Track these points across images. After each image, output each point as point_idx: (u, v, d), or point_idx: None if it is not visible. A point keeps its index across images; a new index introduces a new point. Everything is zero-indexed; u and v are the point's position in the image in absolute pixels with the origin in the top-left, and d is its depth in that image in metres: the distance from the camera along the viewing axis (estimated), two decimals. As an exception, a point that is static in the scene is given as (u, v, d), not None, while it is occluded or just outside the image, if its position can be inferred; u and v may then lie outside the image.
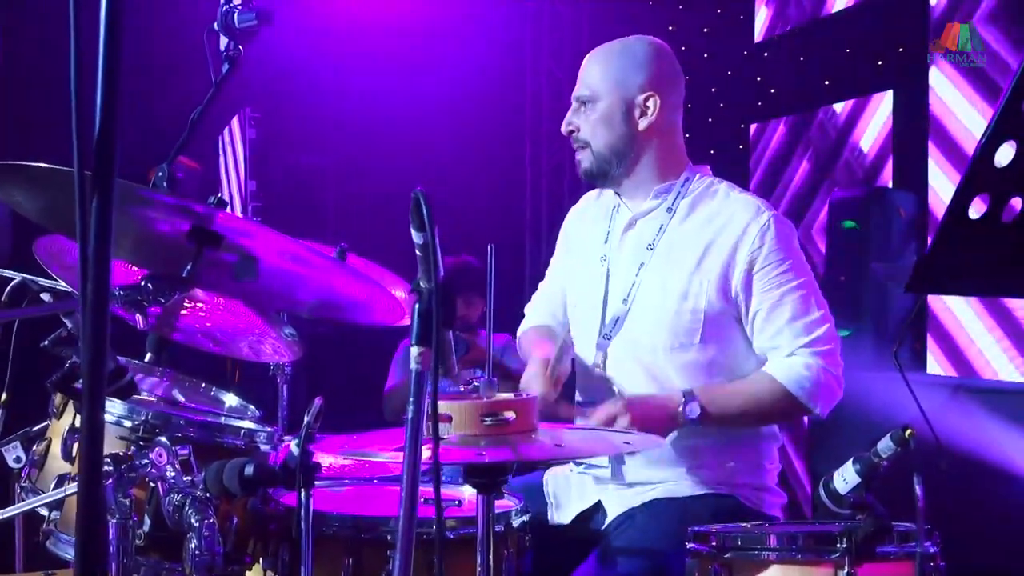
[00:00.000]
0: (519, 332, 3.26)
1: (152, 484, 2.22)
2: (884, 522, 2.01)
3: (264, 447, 2.54)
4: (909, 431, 2.00)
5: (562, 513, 2.90)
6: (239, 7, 2.66)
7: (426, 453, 1.98)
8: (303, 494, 2.20)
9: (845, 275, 4.75)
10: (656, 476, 2.77)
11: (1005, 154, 1.50)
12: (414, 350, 1.72)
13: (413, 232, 1.70)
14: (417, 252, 1.72)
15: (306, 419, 2.22)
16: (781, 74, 5.86)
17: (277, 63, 5.52)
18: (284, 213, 5.86)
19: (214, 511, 2.18)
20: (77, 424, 2.43)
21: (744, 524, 2.40)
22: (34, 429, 2.67)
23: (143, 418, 2.37)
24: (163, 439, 2.21)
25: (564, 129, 2.93)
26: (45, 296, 2.43)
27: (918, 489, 1.90)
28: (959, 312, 4.70)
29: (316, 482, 2.27)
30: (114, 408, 2.39)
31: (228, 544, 2.37)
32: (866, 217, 4.70)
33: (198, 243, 2.19)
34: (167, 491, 2.18)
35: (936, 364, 4.78)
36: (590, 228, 3.05)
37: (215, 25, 2.68)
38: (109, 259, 1.29)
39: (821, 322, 2.75)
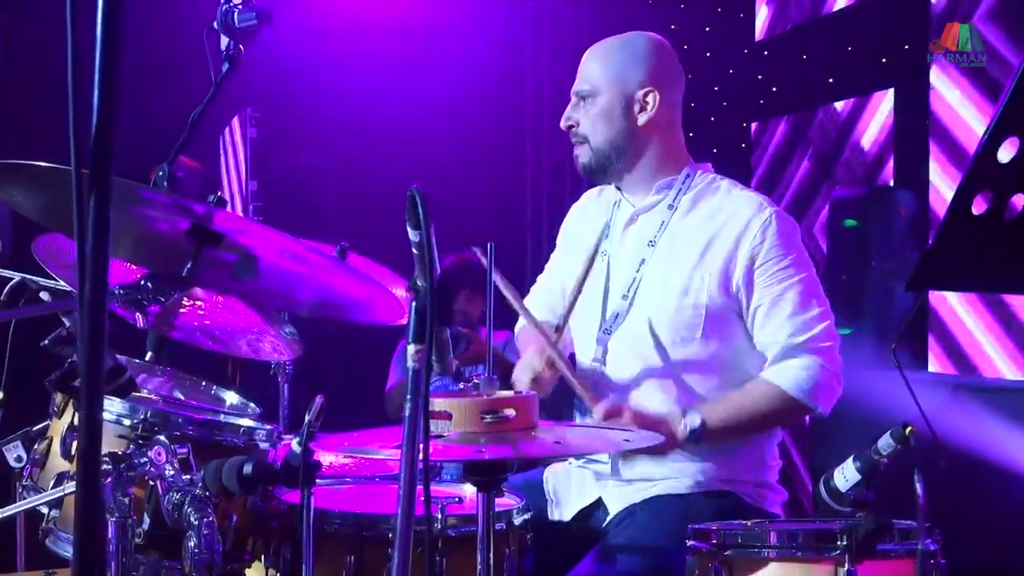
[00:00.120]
0: (516, 328, 3.26)
1: (151, 482, 2.22)
2: (884, 520, 2.00)
3: (264, 445, 2.54)
4: (909, 428, 2.00)
5: (562, 510, 2.90)
6: (239, 6, 2.66)
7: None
8: (305, 492, 2.21)
9: (846, 274, 4.75)
10: (657, 473, 2.76)
11: (1007, 151, 1.50)
12: (411, 348, 1.72)
13: (409, 230, 1.70)
14: (413, 250, 1.72)
15: (307, 417, 2.22)
16: (782, 73, 5.85)
17: (277, 63, 5.51)
18: (285, 212, 5.86)
19: (213, 509, 2.19)
20: (77, 423, 2.43)
21: (744, 522, 2.39)
22: (35, 428, 2.67)
23: (142, 416, 2.37)
24: (162, 437, 2.21)
25: (563, 124, 2.93)
26: (44, 295, 2.43)
27: (919, 487, 1.90)
28: (960, 310, 4.70)
29: (317, 480, 2.27)
30: (113, 406, 2.39)
31: (228, 542, 2.37)
32: (867, 216, 4.70)
33: (198, 242, 2.19)
34: (166, 489, 2.18)
35: (937, 362, 4.78)
36: (590, 224, 3.05)
37: (215, 24, 2.68)
38: (107, 258, 1.29)
39: (821, 319, 2.75)
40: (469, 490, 2.61)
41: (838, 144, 5.56)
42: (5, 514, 2.38)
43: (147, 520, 2.28)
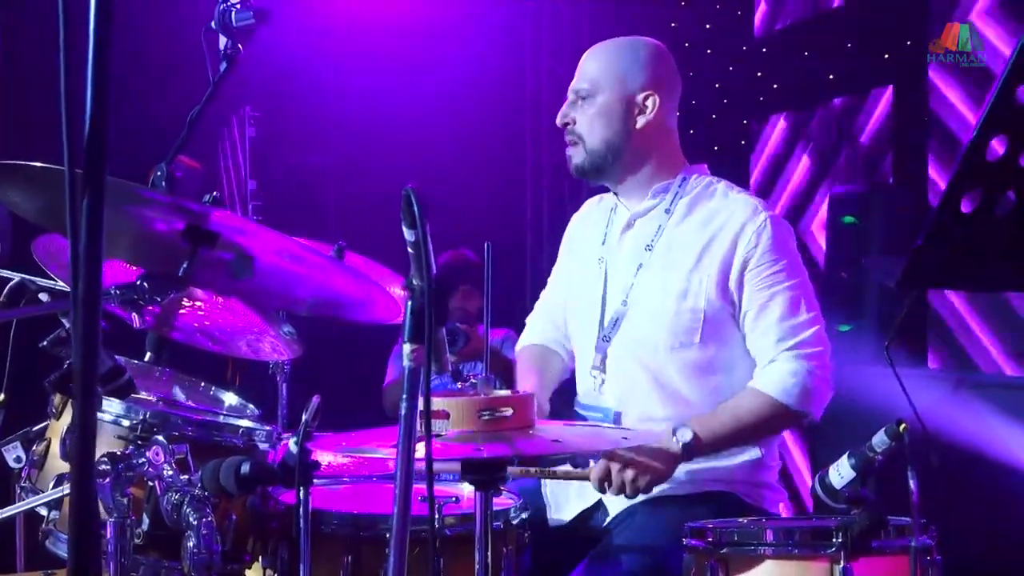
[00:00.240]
0: (518, 346, 3.26)
1: (150, 483, 2.23)
2: (879, 516, 2.01)
3: (263, 445, 2.54)
4: (903, 425, 2.01)
5: (561, 514, 2.89)
6: (236, 6, 2.66)
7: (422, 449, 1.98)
8: (302, 492, 2.21)
9: (846, 271, 4.75)
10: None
11: (996, 149, 1.50)
12: (407, 347, 1.72)
13: (405, 229, 1.71)
14: (409, 249, 1.73)
15: (304, 417, 2.23)
16: (781, 70, 5.85)
17: (277, 62, 5.51)
18: (284, 212, 5.85)
19: (212, 510, 2.19)
20: (76, 424, 2.43)
21: (740, 519, 2.40)
22: (34, 429, 2.67)
23: (141, 417, 2.37)
24: (160, 438, 2.22)
25: (559, 121, 2.92)
26: (43, 296, 2.43)
27: (912, 483, 1.91)
28: (959, 306, 4.70)
29: (315, 480, 2.28)
30: (112, 407, 2.40)
31: (227, 542, 2.37)
32: (866, 213, 4.71)
33: (194, 242, 2.20)
34: (165, 490, 2.18)
35: (936, 359, 4.78)
36: (590, 232, 3.05)
37: (213, 24, 2.68)
38: (101, 257, 1.30)
39: (810, 324, 2.74)
40: (467, 489, 2.61)
41: (837, 141, 5.56)
42: (4, 515, 2.39)
43: (146, 520, 2.29)
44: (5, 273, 2.59)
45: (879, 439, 2.04)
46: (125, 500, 2.15)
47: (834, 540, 2.04)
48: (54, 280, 2.58)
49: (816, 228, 5.56)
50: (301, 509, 2.21)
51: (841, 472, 2.09)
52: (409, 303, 1.72)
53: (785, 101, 5.91)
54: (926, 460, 2.08)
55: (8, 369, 2.72)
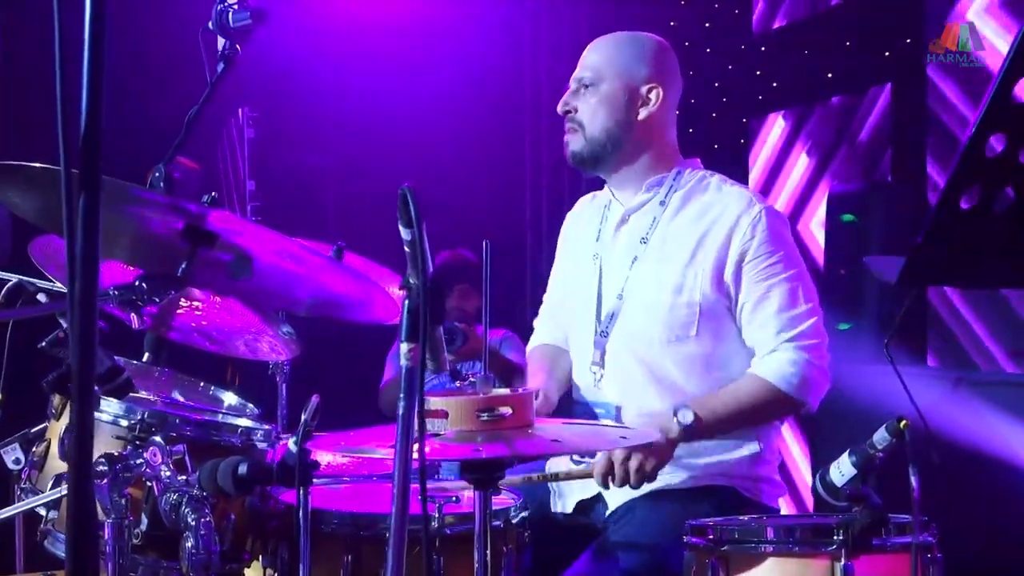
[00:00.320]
0: (528, 348, 3.27)
1: (148, 483, 2.23)
2: (880, 514, 2.01)
3: (261, 445, 2.54)
4: (904, 422, 2.01)
5: (564, 502, 2.90)
6: (233, 7, 2.66)
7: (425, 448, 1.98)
8: (301, 492, 2.21)
9: (845, 269, 4.75)
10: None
11: (994, 146, 1.50)
12: (404, 346, 1.72)
13: (401, 228, 1.71)
14: (406, 248, 1.72)
15: (304, 417, 2.23)
16: (780, 68, 5.85)
17: (275, 62, 5.51)
18: (284, 212, 5.85)
19: (211, 510, 2.19)
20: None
21: (741, 517, 2.40)
22: (33, 430, 2.67)
23: (139, 417, 2.37)
24: (157, 438, 2.22)
25: (561, 109, 2.92)
26: (41, 297, 2.43)
27: (913, 480, 1.90)
28: (958, 304, 4.70)
29: (315, 480, 2.28)
30: (110, 407, 2.39)
31: (226, 542, 2.36)
32: (865, 211, 4.70)
33: (192, 242, 2.20)
34: (163, 490, 2.18)
35: (935, 357, 4.78)
36: (584, 229, 3.06)
37: (210, 25, 2.68)
38: (97, 258, 1.30)
39: (808, 315, 2.75)
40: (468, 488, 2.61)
41: (836, 139, 5.56)
42: (3, 516, 2.39)
43: (145, 521, 2.29)
44: (3, 275, 2.59)
45: (880, 436, 2.04)
46: (123, 500, 2.15)
47: (835, 538, 2.04)
48: (52, 281, 2.58)
49: (815, 226, 5.56)
50: (301, 509, 2.21)
51: (842, 469, 2.09)
52: (406, 302, 1.72)
53: (784, 99, 5.91)
54: (927, 458, 2.07)
55: (6, 370, 2.71)
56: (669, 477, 2.75)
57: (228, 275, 2.27)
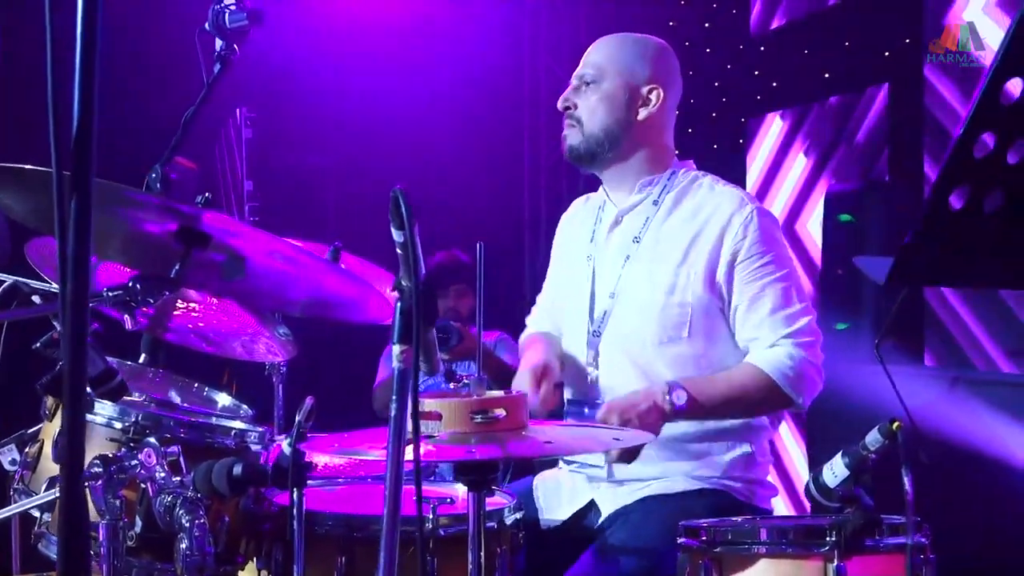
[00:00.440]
0: (521, 338, 3.26)
1: (143, 485, 2.23)
2: (872, 515, 2.01)
3: (255, 447, 2.54)
4: (896, 423, 2.00)
5: (554, 516, 2.88)
6: (230, 7, 2.66)
7: (420, 450, 1.98)
8: (295, 493, 2.21)
9: (842, 269, 4.75)
10: (649, 473, 2.75)
11: (983, 146, 1.50)
12: (396, 348, 1.73)
13: (393, 230, 1.71)
14: (398, 250, 1.73)
15: (298, 418, 2.23)
16: (778, 68, 5.85)
17: (273, 63, 5.52)
18: (282, 213, 5.84)
19: (205, 511, 2.19)
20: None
21: (734, 518, 2.40)
22: (29, 431, 2.68)
23: (133, 419, 2.37)
24: (152, 440, 2.22)
25: (560, 105, 2.93)
26: (36, 298, 2.43)
27: (906, 481, 1.90)
28: (955, 304, 4.70)
29: (309, 481, 2.28)
30: (105, 409, 2.40)
31: (220, 544, 2.37)
32: (862, 210, 4.70)
33: (186, 243, 2.20)
34: (157, 492, 2.18)
35: (932, 356, 4.78)
36: (578, 231, 3.06)
37: (207, 26, 2.68)
38: (88, 259, 1.30)
39: (802, 314, 2.75)
40: (461, 490, 2.61)
41: (834, 139, 5.56)
42: (-2, 517, 2.40)
43: (139, 522, 2.29)
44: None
45: (872, 437, 2.04)
46: (117, 502, 2.15)
47: (828, 539, 2.04)
48: (48, 282, 2.58)
49: (812, 226, 5.56)
50: (295, 510, 2.21)
51: (835, 471, 2.08)
52: (398, 304, 1.72)
53: (781, 99, 5.91)
54: (916, 458, 2.07)
55: (1, 371, 2.71)
56: (662, 482, 2.75)
57: (221, 276, 2.27)
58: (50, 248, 2.69)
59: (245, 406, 2.91)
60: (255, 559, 2.47)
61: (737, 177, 5.97)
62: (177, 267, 2.19)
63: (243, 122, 5.64)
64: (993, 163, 1.51)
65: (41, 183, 2.05)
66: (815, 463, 4.98)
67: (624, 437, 2.33)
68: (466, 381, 2.19)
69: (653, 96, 2.87)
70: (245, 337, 3.04)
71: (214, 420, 2.57)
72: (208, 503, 2.23)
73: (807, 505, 3.80)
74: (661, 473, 2.76)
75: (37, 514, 2.45)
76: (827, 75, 5.53)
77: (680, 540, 2.24)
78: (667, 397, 2.65)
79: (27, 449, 2.60)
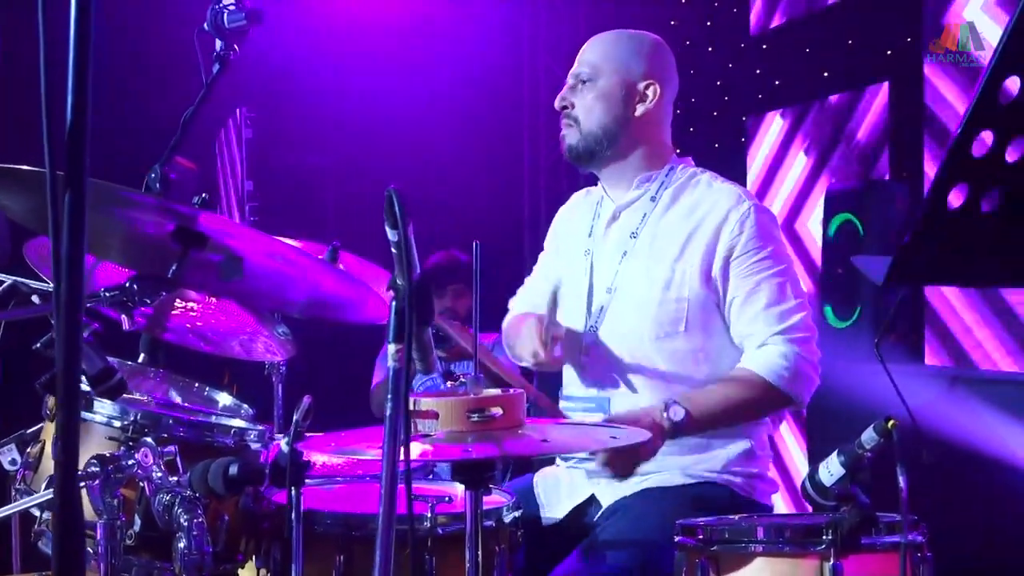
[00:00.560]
0: (503, 324, 3.25)
1: (141, 484, 2.23)
2: (868, 513, 2.01)
3: (255, 446, 2.54)
4: (892, 422, 2.01)
5: (554, 512, 2.89)
6: (228, 7, 2.66)
7: (417, 450, 1.99)
8: (293, 492, 2.22)
9: (842, 268, 4.75)
10: (648, 467, 2.74)
11: (981, 144, 1.50)
12: (391, 347, 1.73)
13: (388, 230, 1.71)
14: (392, 250, 1.73)
15: (295, 417, 2.23)
16: (778, 66, 5.85)
17: (273, 63, 5.52)
18: (282, 213, 5.85)
19: (204, 510, 2.19)
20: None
21: (732, 517, 2.40)
22: (29, 431, 2.68)
23: (132, 418, 2.37)
24: (149, 439, 2.22)
25: (558, 104, 2.93)
26: (35, 298, 2.44)
27: (901, 480, 1.90)
28: (955, 302, 4.69)
29: (307, 480, 2.28)
30: (103, 408, 2.40)
31: (219, 543, 2.37)
32: (863, 209, 4.70)
33: (183, 244, 2.20)
34: (155, 491, 2.19)
35: (933, 355, 4.77)
36: (576, 225, 3.07)
37: (206, 26, 2.68)
38: (82, 260, 1.30)
39: (797, 310, 2.75)
40: (460, 489, 2.61)
41: (834, 137, 5.55)
42: (-1, 516, 2.40)
43: (138, 521, 2.30)
44: (-1, 276, 2.60)
45: (868, 436, 2.04)
46: (115, 501, 2.15)
47: (824, 537, 2.04)
48: (47, 282, 2.58)
49: (813, 224, 5.56)
50: (293, 509, 2.21)
51: (831, 469, 2.09)
52: (393, 303, 1.72)
53: (781, 98, 5.91)
54: (918, 457, 2.07)
55: (1, 371, 2.72)
56: (661, 475, 2.76)
57: (219, 276, 2.28)
58: (49, 248, 2.68)
59: (246, 406, 2.91)
60: (254, 558, 2.48)
61: (738, 176, 5.96)
62: (174, 267, 2.19)
63: (243, 122, 5.64)
64: (991, 162, 1.51)
65: (38, 183, 2.05)
66: (815, 462, 4.98)
67: (621, 436, 2.33)
68: (463, 380, 2.19)
69: (650, 92, 2.87)
70: (244, 336, 3.05)
71: (213, 419, 2.58)
72: (206, 502, 2.23)
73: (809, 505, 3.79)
74: (660, 467, 2.76)
75: (38, 513, 2.45)
76: (827, 74, 5.52)
77: (677, 538, 2.24)
78: (665, 414, 2.64)
79: (29, 449, 2.61)
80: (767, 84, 5.92)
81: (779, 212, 5.77)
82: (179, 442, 2.33)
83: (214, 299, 2.90)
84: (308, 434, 2.27)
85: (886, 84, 5.19)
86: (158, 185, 2.54)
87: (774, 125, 6.02)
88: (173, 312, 2.86)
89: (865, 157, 5.34)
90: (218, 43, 2.66)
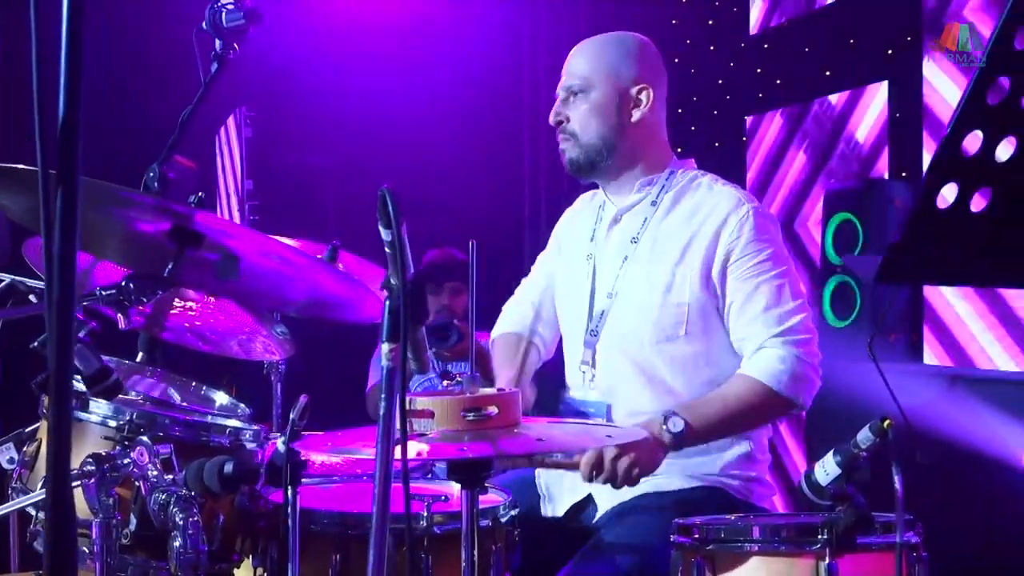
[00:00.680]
0: (492, 333, 3.26)
1: (136, 483, 2.23)
2: (864, 513, 2.01)
3: (251, 445, 2.54)
4: (887, 421, 2.00)
5: (555, 506, 2.90)
6: (227, 7, 2.66)
7: (413, 449, 1.99)
8: (289, 491, 2.22)
9: (841, 267, 4.75)
10: (644, 470, 2.75)
11: (972, 144, 1.50)
12: (386, 347, 1.73)
13: (381, 229, 1.72)
14: (386, 249, 1.73)
15: (292, 416, 2.23)
16: (777, 66, 5.85)
17: (273, 62, 5.52)
18: (282, 212, 5.86)
19: (200, 509, 2.19)
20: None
21: (728, 516, 2.40)
22: (27, 430, 2.68)
23: (128, 418, 2.37)
24: (144, 438, 2.22)
25: (552, 120, 2.92)
26: (32, 297, 2.44)
27: (897, 480, 1.91)
28: (955, 301, 4.69)
29: (304, 479, 2.28)
30: (99, 408, 2.40)
31: (215, 542, 2.37)
32: (861, 208, 4.70)
33: (179, 243, 2.20)
34: (150, 490, 2.19)
35: (932, 354, 4.77)
36: (579, 228, 3.06)
37: (204, 25, 2.68)
38: (75, 259, 1.30)
39: (796, 312, 2.73)
40: (457, 488, 2.61)
41: (833, 137, 5.55)
42: (-6, 515, 2.40)
43: (134, 520, 2.29)
44: (-2, 275, 2.60)
45: (863, 435, 2.04)
46: (111, 500, 2.15)
47: (819, 537, 2.04)
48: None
49: (812, 224, 5.56)
50: (289, 508, 2.21)
51: (827, 469, 2.09)
52: (387, 303, 1.73)
53: (781, 97, 5.91)
54: (912, 457, 2.08)
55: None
56: (659, 479, 2.75)
57: (215, 275, 2.28)
58: (47, 247, 2.69)
59: (243, 405, 2.91)
60: (251, 556, 2.48)
61: (738, 174, 5.96)
62: (170, 266, 2.20)
63: (243, 121, 5.65)
64: (981, 161, 1.51)
65: (33, 182, 2.05)
66: (813, 462, 4.98)
67: (615, 434, 2.33)
68: (459, 379, 2.19)
69: (643, 96, 2.86)
70: (242, 336, 3.05)
71: (209, 418, 2.58)
72: (202, 501, 2.24)
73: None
74: (658, 470, 2.75)
75: (33, 512, 2.45)
76: (827, 73, 5.52)
77: (673, 538, 2.24)
78: (664, 427, 2.64)
79: (25, 448, 2.61)
80: (768, 83, 5.92)
81: (778, 211, 5.77)
82: (175, 441, 2.32)
83: (212, 298, 2.90)
84: (306, 433, 2.28)
85: (885, 84, 5.19)
86: (156, 184, 2.54)
87: (774, 124, 6.02)
88: (171, 311, 2.87)
89: (864, 156, 5.33)
90: (217, 42, 2.66)
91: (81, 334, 2.12)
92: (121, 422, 2.37)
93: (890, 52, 5.11)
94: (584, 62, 2.89)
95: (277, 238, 2.40)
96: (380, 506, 1.71)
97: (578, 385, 2.91)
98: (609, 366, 2.84)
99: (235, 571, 2.50)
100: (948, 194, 1.52)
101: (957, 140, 1.47)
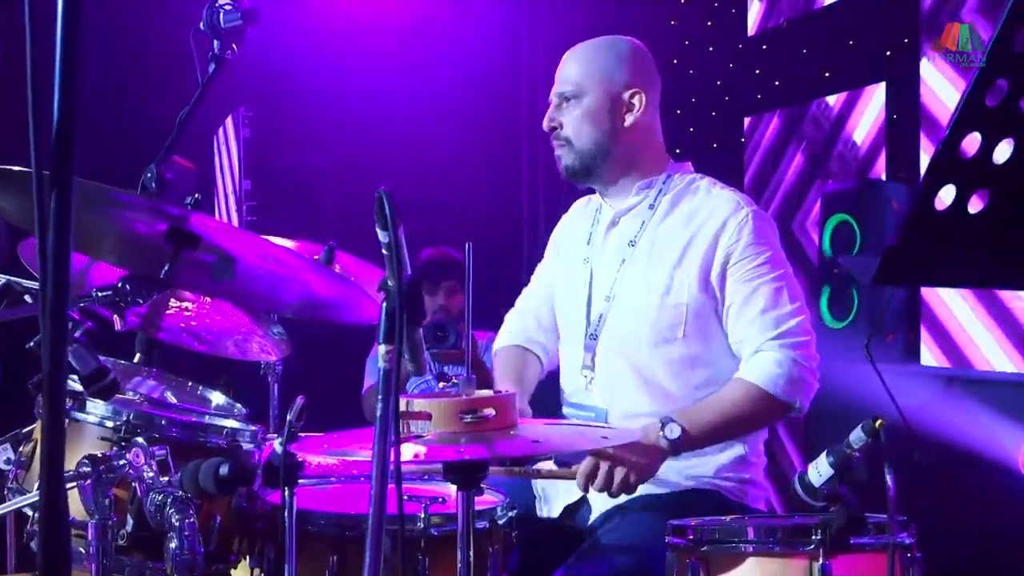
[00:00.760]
0: (495, 345, 3.26)
1: (133, 484, 2.23)
2: (857, 513, 2.01)
3: (247, 446, 2.54)
4: (879, 421, 2.00)
5: (550, 507, 2.90)
6: (224, 7, 2.66)
7: (412, 451, 1.99)
8: (286, 492, 2.22)
9: (838, 268, 4.75)
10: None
11: (970, 146, 1.50)
12: (382, 348, 1.73)
13: (378, 231, 1.72)
14: (383, 251, 1.73)
15: (288, 418, 2.23)
16: (775, 67, 5.85)
17: (272, 62, 5.52)
18: (280, 212, 5.86)
19: (196, 510, 2.20)
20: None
21: (722, 517, 2.40)
22: (23, 431, 2.68)
23: (125, 418, 2.38)
24: (140, 440, 2.22)
25: (546, 126, 2.92)
26: (27, 298, 2.44)
27: (889, 480, 1.90)
28: (952, 302, 4.69)
29: (301, 480, 2.28)
30: (96, 408, 2.40)
31: (212, 543, 2.38)
32: (859, 209, 4.70)
33: (176, 244, 2.20)
34: (146, 491, 2.19)
35: (930, 355, 4.77)
36: (576, 233, 3.06)
37: (202, 25, 2.68)
38: (69, 259, 1.30)
39: (794, 315, 2.73)
40: (454, 489, 2.61)
41: (831, 138, 5.56)
42: (-9, 516, 2.40)
43: (130, 521, 2.30)
44: (-8, 275, 2.59)
45: (856, 436, 2.04)
46: (107, 501, 2.15)
47: (813, 537, 2.04)
48: (40, 282, 2.58)
49: (809, 225, 5.56)
50: (286, 509, 2.21)
51: (820, 469, 2.09)
52: (384, 305, 1.73)
53: (779, 98, 5.91)
54: (909, 457, 2.08)
55: (-3, 369, 2.73)
56: (654, 482, 2.75)
57: (211, 276, 2.28)
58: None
59: (239, 405, 2.91)
60: (248, 557, 2.48)
61: (736, 175, 5.96)
62: (166, 268, 2.20)
63: (241, 121, 5.65)
64: (979, 163, 1.51)
65: (29, 183, 2.05)
66: (810, 462, 4.98)
67: (611, 435, 2.33)
68: (455, 381, 2.19)
69: (636, 100, 2.85)
70: (238, 336, 3.05)
71: (206, 419, 2.58)
72: (199, 502, 2.24)
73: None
74: (652, 472, 2.75)
75: (30, 512, 2.46)
76: (826, 74, 5.52)
77: (668, 539, 2.24)
78: (661, 433, 2.63)
79: (21, 448, 2.61)
80: (766, 84, 5.92)
81: (776, 212, 5.77)
82: (171, 442, 2.33)
83: (209, 299, 2.90)
84: (303, 434, 2.27)
85: (883, 85, 5.20)
86: (154, 185, 2.54)
87: (772, 125, 6.02)
88: (168, 312, 2.87)
89: (862, 157, 5.34)
90: (215, 43, 2.66)
91: (77, 334, 2.12)
92: (118, 423, 2.38)
93: (888, 53, 5.11)
94: (576, 67, 2.88)
95: (273, 239, 2.40)
96: (376, 507, 1.71)
97: (578, 389, 2.91)
98: (608, 369, 2.84)
99: (232, 572, 2.50)
100: (946, 195, 1.51)
101: (955, 141, 1.47)
